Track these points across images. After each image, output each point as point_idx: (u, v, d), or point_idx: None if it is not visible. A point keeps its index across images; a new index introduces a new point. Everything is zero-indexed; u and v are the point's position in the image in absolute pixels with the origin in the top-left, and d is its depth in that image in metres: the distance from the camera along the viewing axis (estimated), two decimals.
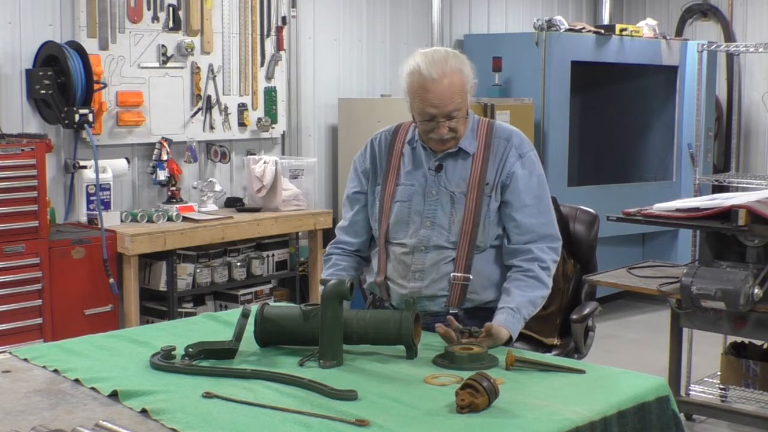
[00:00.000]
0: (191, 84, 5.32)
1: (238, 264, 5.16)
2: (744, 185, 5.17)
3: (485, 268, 2.73)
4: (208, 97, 5.40)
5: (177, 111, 5.27)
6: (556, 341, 3.59)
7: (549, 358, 2.60)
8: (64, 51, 4.55)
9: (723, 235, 3.76)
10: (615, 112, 7.43)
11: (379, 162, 2.84)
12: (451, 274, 2.69)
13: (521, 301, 2.64)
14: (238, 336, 2.43)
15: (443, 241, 2.70)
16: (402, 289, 2.74)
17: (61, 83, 4.56)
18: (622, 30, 6.66)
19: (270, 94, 5.70)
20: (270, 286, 5.43)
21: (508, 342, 2.59)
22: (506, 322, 2.59)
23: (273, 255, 5.37)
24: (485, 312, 2.74)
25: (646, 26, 6.90)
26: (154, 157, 5.07)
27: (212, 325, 2.83)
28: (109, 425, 1.90)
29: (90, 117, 4.57)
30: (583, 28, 6.60)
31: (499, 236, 2.75)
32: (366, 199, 2.88)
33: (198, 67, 5.33)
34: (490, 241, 2.72)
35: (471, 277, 2.70)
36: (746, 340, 4.45)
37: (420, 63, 2.61)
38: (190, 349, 2.41)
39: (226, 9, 5.46)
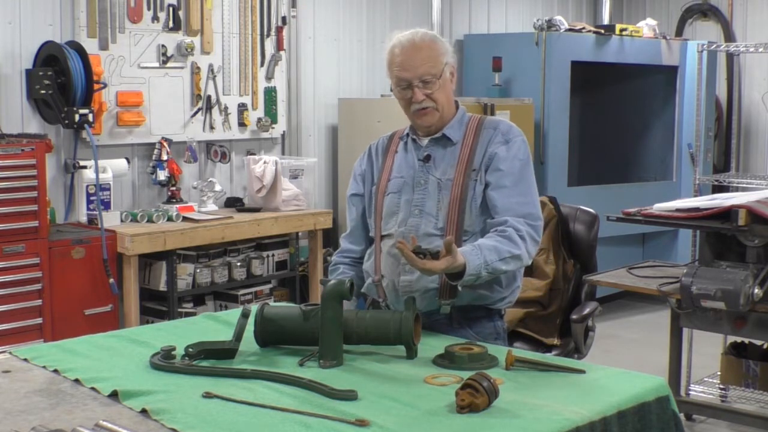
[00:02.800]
0: (191, 84, 5.32)
1: (238, 264, 5.16)
2: (744, 185, 5.18)
3: None
4: (208, 97, 5.40)
5: (177, 111, 5.27)
6: (556, 341, 3.59)
7: (549, 358, 2.60)
8: (64, 51, 4.55)
9: (723, 235, 3.76)
10: (615, 112, 7.43)
11: (376, 164, 2.90)
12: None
13: (485, 243, 2.60)
14: (238, 336, 2.43)
15: (431, 227, 2.71)
16: (395, 285, 2.73)
17: (61, 83, 4.56)
18: (622, 30, 6.67)
19: (270, 94, 5.70)
20: (270, 286, 5.43)
21: (461, 275, 2.52)
22: (465, 251, 2.54)
23: (273, 255, 5.37)
24: (479, 311, 2.74)
25: (646, 26, 6.91)
26: (154, 157, 5.08)
27: (212, 325, 2.83)
28: (109, 425, 1.89)
29: (90, 117, 4.57)
30: (583, 28, 6.60)
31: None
32: (363, 201, 2.92)
33: (198, 67, 5.33)
34: (478, 226, 2.72)
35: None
36: (746, 340, 4.45)
37: (394, 38, 2.77)
38: (190, 349, 2.41)
39: (226, 9, 5.46)
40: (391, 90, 2.83)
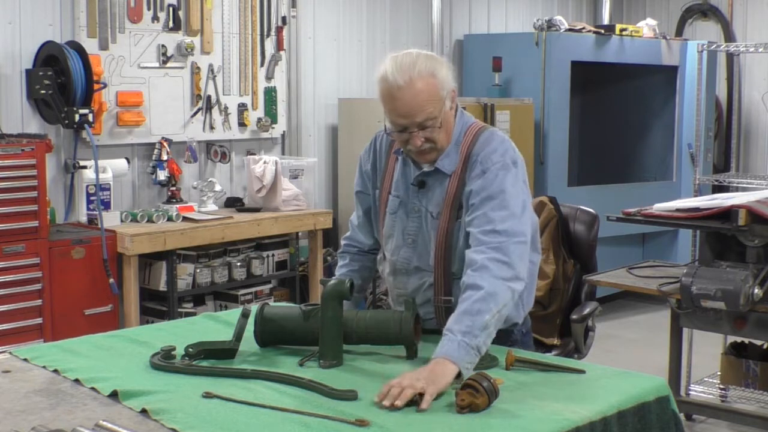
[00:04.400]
0: (191, 84, 5.32)
1: (238, 264, 5.15)
2: (744, 185, 5.18)
3: None
4: (208, 97, 5.40)
5: (177, 111, 5.27)
6: (556, 341, 3.59)
7: (549, 358, 2.60)
8: (64, 51, 4.55)
9: (723, 235, 3.76)
10: (615, 112, 7.44)
11: (379, 163, 2.79)
12: (433, 299, 2.60)
13: (453, 317, 2.31)
14: (238, 336, 2.43)
15: (423, 263, 2.62)
16: (397, 307, 2.71)
17: (61, 83, 4.56)
18: (622, 30, 6.67)
19: (270, 94, 5.70)
20: (270, 286, 5.43)
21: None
22: (440, 348, 2.23)
23: (273, 255, 5.37)
24: None
25: (646, 26, 6.91)
26: (154, 157, 5.07)
27: (212, 325, 2.83)
28: (109, 425, 1.90)
29: (90, 117, 4.57)
30: (583, 28, 6.60)
31: None
32: (368, 200, 2.82)
33: (198, 67, 5.33)
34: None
35: (452, 300, 2.55)
36: (746, 340, 4.45)
37: (387, 69, 2.42)
38: (190, 349, 2.41)
39: (226, 9, 5.46)
40: (385, 128, 2.56)
